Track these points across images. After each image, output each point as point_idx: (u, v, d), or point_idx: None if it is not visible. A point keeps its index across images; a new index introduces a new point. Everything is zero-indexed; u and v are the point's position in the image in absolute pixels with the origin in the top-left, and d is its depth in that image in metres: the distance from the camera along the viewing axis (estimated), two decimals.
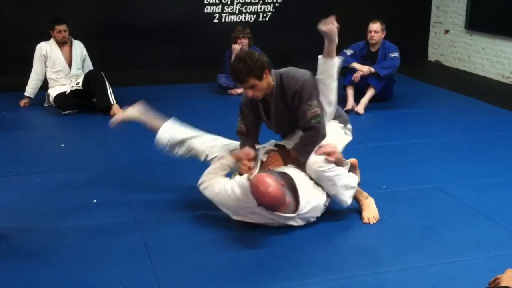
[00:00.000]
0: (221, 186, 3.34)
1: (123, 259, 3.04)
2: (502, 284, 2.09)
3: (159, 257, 3.05)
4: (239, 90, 6.68)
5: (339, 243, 3.22)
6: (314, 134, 3.37)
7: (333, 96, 3.54)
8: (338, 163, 3.38)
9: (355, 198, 3.53)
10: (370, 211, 3.50)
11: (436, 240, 3.26)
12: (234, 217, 3.34)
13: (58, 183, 4.01)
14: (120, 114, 4.05)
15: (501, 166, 4.42)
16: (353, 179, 3.49)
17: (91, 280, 2.84)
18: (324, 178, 3.33)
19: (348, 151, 4.71)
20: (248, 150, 3.41)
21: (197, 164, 3.66)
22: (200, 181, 3.44)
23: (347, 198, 3.42)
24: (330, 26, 3.46)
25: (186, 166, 3.93)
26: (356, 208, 3.59)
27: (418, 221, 3.49)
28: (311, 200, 3.29)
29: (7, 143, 4.91)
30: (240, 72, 3.26)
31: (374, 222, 3.44)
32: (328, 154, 3.32)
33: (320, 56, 3.57)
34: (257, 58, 3.29)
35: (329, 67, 3.52)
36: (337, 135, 3.57)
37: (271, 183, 3.05)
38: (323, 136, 3.41)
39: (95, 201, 3.72)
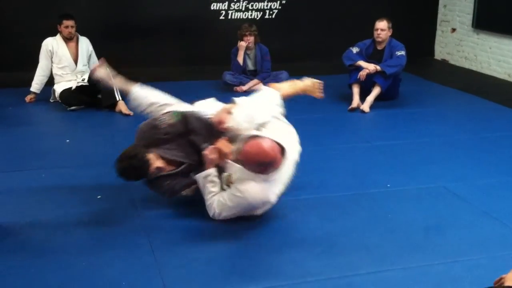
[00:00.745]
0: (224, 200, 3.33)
1: (127, 255, 3.05)
2: (507, 284, 2.08)
3: (163, 253, 3.05)
4: (245, 88, 6.68)
5: (342, 242, 3.22)
6: None
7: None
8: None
9: None
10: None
11: (440, 240, 3.25)
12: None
13: (64, 179, 4.02)
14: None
15: (507, 165, 4.40)
16: None
17: (95, 276, 2.85)
18: None
19: (353, 149, 4.75)
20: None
21: None
22: (211, 213, 3.36)
23: None
24: None
25: None
26: (360, 208, 3.60)
27: (422, 220, 3.48)
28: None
29: (13, 139, 4.92)
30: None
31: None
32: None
33: None
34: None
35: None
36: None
37: (261, 142, 3.08)
38: None
39: (99, 197, 3.73)
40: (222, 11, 7.93)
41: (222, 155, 3.34)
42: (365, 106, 5.87)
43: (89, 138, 5.03)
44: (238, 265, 2.97)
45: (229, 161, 3.31)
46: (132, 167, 3.30)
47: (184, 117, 3.53)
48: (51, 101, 6.06)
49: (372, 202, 3.75)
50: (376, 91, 5.98)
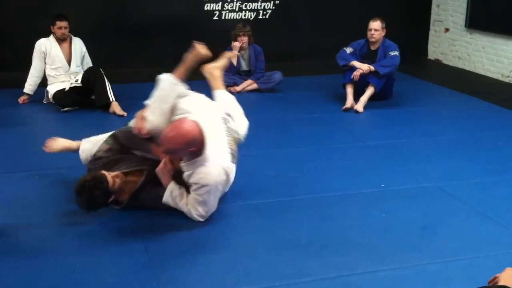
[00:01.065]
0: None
1: (121, 257, 3.04)
2: (501, 283, 2.09)
3: (157, 255, 3.04)
4: (239, 88, 6.68)
5: (338, 241, 3.21)
6: None
7: None
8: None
9: None
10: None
11: (435, 239, 3.26)
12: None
13: (57, 181, 4.00)
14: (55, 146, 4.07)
15: (501, 165, 4.42)
16: None
17: (90, 278, 2.84)
18: None
19: (347, 149, 4.75)
20: None
21: None
22: (197, 218, 3.36)
23: None
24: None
25: None
26: (355, 207, 3.60)
27: (418, 220, 3.49)
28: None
29: (6, 140, 4.90)
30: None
31: None
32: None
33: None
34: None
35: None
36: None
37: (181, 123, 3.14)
38: None
39: None
40: (215, 12, 7.93)
41: (172, 163, 3.38)
42: (359, 106, 5.88)
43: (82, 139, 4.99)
44: (234, 266, 2.96)
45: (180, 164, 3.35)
46: (91, 190, 3.28)
47: (114, 138, 3.68)
48: (45, 102, 6.03)
49: (367, 201, 3.75)
50: (370, 91, 5.99)
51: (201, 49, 3.70)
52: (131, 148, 3.64)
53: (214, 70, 3.98)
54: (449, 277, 2.87)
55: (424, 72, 8.07)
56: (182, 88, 3.59)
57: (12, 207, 3.59)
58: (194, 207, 3.35)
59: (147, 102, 3.59)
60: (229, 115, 3.73)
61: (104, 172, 3.42)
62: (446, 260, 3.03)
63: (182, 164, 3.33)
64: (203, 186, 3.27)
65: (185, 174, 3.32)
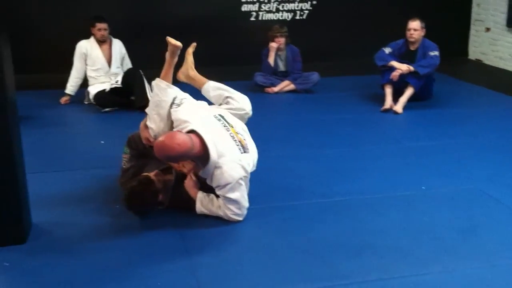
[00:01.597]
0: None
1: (160, 255, 3.07)
2: None
3: (196, 254, 3.07)
4: (276, 89, 6.68)
5: (376, 244, 3.18)
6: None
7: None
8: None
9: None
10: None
11: (477, 243, 3.20)
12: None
13: (98, 179, 4.06)
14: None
15: None
16: None
17: (128, 275, 2.88)
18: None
19: (385, 150, 4.70)
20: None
21: None
22: (236, 218, 3.40)
23: None
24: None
25: None
26: (394, 210, 3.56)
27: (458, 223, 3.43)
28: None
29: (49, 140, 5.00)
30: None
31: None
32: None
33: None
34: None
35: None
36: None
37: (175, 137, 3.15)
38: None
39: None
40: (253, 12, 7.94)
41: (191, 169, 3.42)
42: (398, 107, 5.81)
43: (122, 139, 5.03)
44: (269, 267, 2.96)
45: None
46: (141, 194, 3.37)
47: (129, 144, 3.80)
48: (85, 103, 6.15)
49: (405, 204, 3.71)
50: (409, 91, 5.91)
51: (172, 41, 3.76)
52: (145, 154, 3.73)
53: (187, 72, 3.95)
54: (490, 282, 2.81)
55: (465, 72, 7.93)
56: (172, 90, 3.61)
57: (52, 205, 3.67)
58: (227, 207, 3.37)
59: (146, 110, 3.64)
60: (229, 97, 3.75)
61: (145, 173, 3.47)
62: (488, 264, 2.97)
63: (200, 174, 3.38)
64: (225, 185, 3.30)
65: (207, 181, 3.37)
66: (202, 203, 3.44)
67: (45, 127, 5.36)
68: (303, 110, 6.02)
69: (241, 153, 3.39)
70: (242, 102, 3.77)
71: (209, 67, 8.04)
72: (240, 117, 3.72)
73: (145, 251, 3.12)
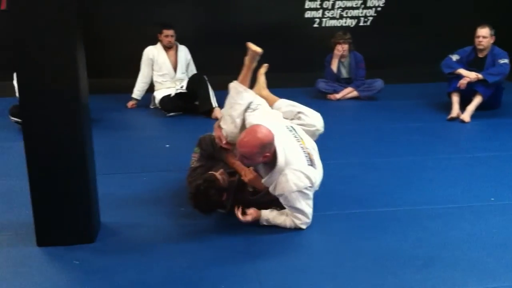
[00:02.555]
0: None
1: (225, 258, 3.11)
2: None
3: (260, 259, 3.08)
4: (338, 96, 6.64)
5: (444, 255, 3.10)
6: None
7: None
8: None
9: None
10: None
11: None
12: None
13: (163, 182, 4.14)
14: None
15: None
16: None
17: (194, 278, 2.91)
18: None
19: (452, 160, 4.58)
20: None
21: None
22: (304, 226, 3.41)
23: None
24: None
25: None
26: (462, 221, 3.47)
27: None
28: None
29: (116, 142, 5.14)
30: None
31: None
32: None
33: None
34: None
35: None
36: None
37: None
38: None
39: None
40: (316, 19, 7.93)
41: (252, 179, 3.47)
42: (466, 116, 5.66)
43: (187, 143, 5.11)
44: (335, 275, 2.94)
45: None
46: (206, 191, 3.40)
47: (199, 145, 3.87)
48: (151, 107, 6.30)
49: (475, 215, 3.60)
50: (477, 100, 5.75)
51: (253, 47, 3.84)
52: (214, 155, 3.79)
53: (260, 92, 3.98)
54: None
55: None
56: (248, 94, 3.64)
57: (121, 207, 3.76)
58: (295, 216, 3.37)
59: (222, 110, 3.67)
60: (300, 113, 3.75)
61: (211, 172, 3.53)
62: None
63: (263, 181, 3.37)
64: (289, 194, 3.29)
65: (270, 189, 3.36)
66: (268, 221, 3.42)
67: (112, 130, 5.51)
68: (367, 118, 5.95)
69: (308, 165, 3.37)
70: (314, 118, 3.77)
71: (272, 73, 8.04)
72: (312, 133, 3.71)
73: (210, 254, 3.15)
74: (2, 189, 4.04)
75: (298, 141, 3.42)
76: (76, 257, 3.11)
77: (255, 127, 3.25)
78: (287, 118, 3.75)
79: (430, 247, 3.19)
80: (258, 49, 3.82)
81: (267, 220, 3.42)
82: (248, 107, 3.57)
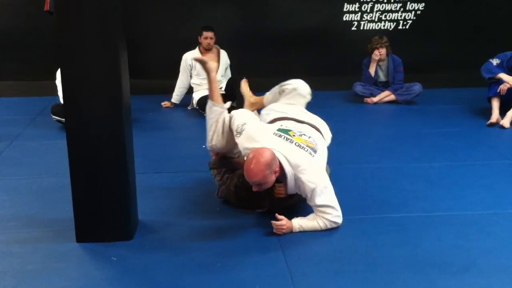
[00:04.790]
0: None
1: (259, 258, 3.14)
2: None
3: (294, 261, 3.10)
4: (375, 99, 6.60)
5: (480, 262, 3.07)
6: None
7: None
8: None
9: None
10: None
11: None
12: None
13: (200, 182, 4.20)
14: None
15: None
16: None
17: (229, 278, 2.95)
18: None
19: (491, 166, 4.52)
20: None
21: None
22: (339, 221, 3.46)
23: None
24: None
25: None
26: (499, 228, 3.42)
27: None
28: None
29: (153, 142, 5.23)
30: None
31: None
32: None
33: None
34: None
35: None
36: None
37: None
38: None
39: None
40: (354, 22, 7.90)
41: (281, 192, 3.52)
42: (506, 121, 5.57)
43: None
44: (368, 279, 2.94)
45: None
46: (247, 186, 3.43)
47: (212, 167, 3.95)
48: (189, 108, 6.39)
49: (511, 222, 3.54)
50: None
51: (199, 58, 4.23)
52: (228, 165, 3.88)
53: (249, 102, 4.32)
54: None
55: None
56: (219, 108, 3.84)
57: (159, 205, 3.83)
58: (325, 213, 3.39)
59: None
60: (281, 85, 3.97)
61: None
62: None
63: (288, 192, 3.43)
64: (312, 192, 3.33)
65: (297, 196, 3.44)
66: (302, 228, 3.43)
67: (150, 130, 5.60)
68: (404, 122, 5.91)
69: (313, 156, 3.42)
70: (294, 82, 3.92)
71: (310, 76, 8.04)
72: (300, 97, 3.88)
73: (244, 255, 3.19)
74: (43, 186, 4.17)
75: (292, 142, 3.45)
76: (114, 254, 3.19)
77: (252, 154, 3.28)
78: (276, 101, 3.94)
79: (465, 254, 3.16)
80: (203, 58, 4.17)
81: (300, 227, 3.43)
82: (236, 131, 3.61)
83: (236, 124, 3.64)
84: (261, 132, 3.58)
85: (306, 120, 3.74)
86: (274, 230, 3.38)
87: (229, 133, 3.71)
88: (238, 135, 3.60)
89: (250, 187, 3.37)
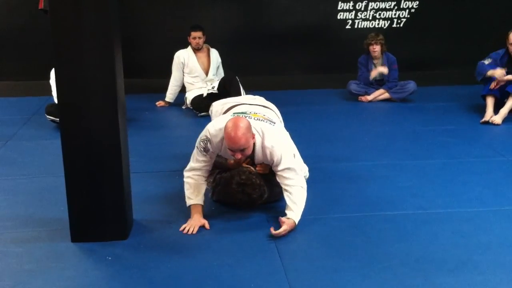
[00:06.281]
0: None
1: (254, 257, 3.13)
2: None
3: (289, 259, 3.10)
4: (370, 97, 6.61)
5: (476, 259, 3.07)
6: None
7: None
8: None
9: None
10: None
11: None
12: None
13: None
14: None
15: None
16: None
17: (225, 276, 2.95)
18: None
19: (486, 163, 4.53)
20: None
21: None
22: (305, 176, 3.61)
23: None
24: None
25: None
26: (496, 225, 3.42)
27: None
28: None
29: (149, 142, 5.21)
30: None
31: None
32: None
33: None
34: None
35: None
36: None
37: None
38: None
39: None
40: (348, 20, 7.91)
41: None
42: (497, 118, 5.57)
43: None
44: (365, 277, 2.93)
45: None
46: (251, 181, 3.52)
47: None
48: (183, 108, 6.38)
49: (507, 219, 3.55)
50: (510, 102, 5.65)
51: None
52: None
53: None
54: None
55: None
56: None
57: (154, 204, 3.82)
58: (297, 174, 3.50)
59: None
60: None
61: (243, 165, 3.67)
62: None
63: (256, 162, 3.61)
64: (280, 158, 3.45)
65: (264, 161, 3.58)
66: (292, 210, 3.44)
67: (145, 129, 5.59)
68: (399, 120, 5.92)
69: (273, 125, 3.66)
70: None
71: (304, 74, 8.11)
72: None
73: (240, 252, 3.18)
74: (38, 186, 4.15)
75: (251, 118, 3.60)
76: (110, 253, 3.17)
77: (230, 123, 3.38)
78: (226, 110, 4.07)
79: (462, 251, 3.16)
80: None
81: (297, 214, 3.42)
82: (201, 140, 3.64)
83: (198, 143, 3.66)
84: (223, 118, 3.69)
85: (257, 103, 4.05)
86: (274, 233, 3.34)
87: (205, 160, 3.67)
88: (204, 138, 3.60)
89: (252, 180, 3.46)
